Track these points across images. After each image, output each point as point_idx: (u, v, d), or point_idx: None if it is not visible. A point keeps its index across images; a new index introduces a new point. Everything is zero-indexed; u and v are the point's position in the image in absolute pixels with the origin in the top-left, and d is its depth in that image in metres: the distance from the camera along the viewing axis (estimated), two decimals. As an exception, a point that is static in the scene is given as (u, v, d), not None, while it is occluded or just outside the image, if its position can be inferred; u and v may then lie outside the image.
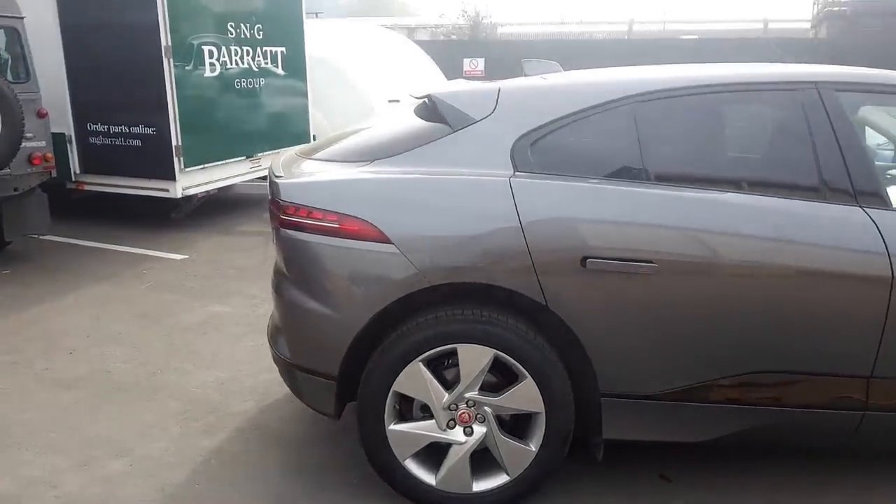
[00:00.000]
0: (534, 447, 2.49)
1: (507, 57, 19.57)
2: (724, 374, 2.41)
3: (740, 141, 2.84)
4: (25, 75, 5.67)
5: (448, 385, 2.47)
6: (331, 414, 2.64)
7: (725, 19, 40.27)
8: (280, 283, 2.71)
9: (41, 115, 5.69)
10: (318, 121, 8.37)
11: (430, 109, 2.71)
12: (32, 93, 5.64)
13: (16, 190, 5.54)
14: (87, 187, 6.95)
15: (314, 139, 8.18)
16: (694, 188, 2.43)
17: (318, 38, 8.61)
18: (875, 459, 2.89)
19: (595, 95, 2.55)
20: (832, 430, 2.50)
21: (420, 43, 12.62)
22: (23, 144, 5.37)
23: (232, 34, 6.96)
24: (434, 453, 2.54)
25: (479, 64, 19.95)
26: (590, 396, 2.49)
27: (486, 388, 2.47)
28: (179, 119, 6.40)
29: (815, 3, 26.15)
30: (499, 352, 2.39)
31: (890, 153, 3.34)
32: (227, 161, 7.10)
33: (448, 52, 19.29)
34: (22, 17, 5.62)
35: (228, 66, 6.95)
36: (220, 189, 7.19)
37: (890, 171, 3.13)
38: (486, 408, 2.47)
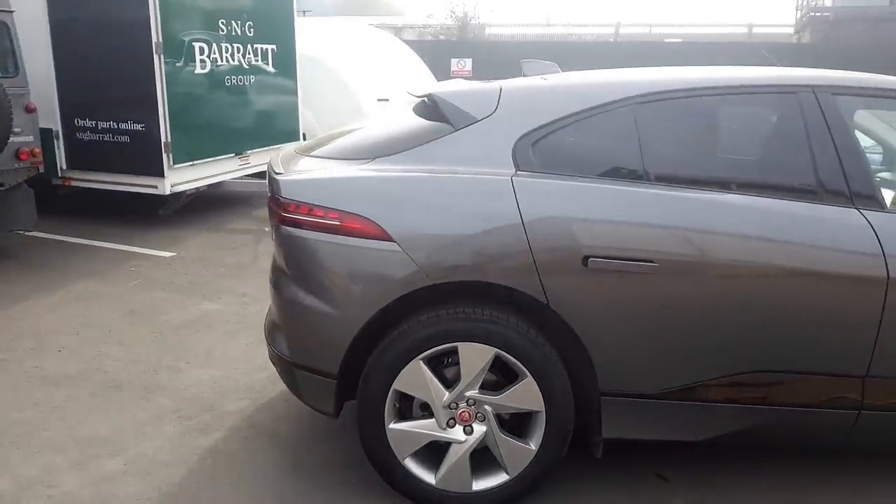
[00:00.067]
0: (534, 446, 2.50)
1: (494, 58, 19.65)
2: (722, 373, 2.44)
3: (739, 142, 2.88)
4: (14, 70, 5.60)
5: (448, 384, 2.48)
6: (330, 412, 2.63)
7: (711, 23, 40.66)
8: (279, 281, 2.70)
9: (29, 109, 5.63)
10: (307, 119, 8.35)
11: (431, 108, 2.71)
12: (21, 87, 5.57)
13: (2, 185, 5.47)
14: (73, 183, 6.86)
15: (304, 137, 8.15)
16: (694, 189, 2.45)
17: (308, 36, 8.58)
18: (870, 458, 2.93)
19: (597, 96, 2.57)
20: (829, 428, 2.53)
21: (407, 43, 12.59)
22: (10, 139, 5.31)
23: (223, 31, 6.92)
24: (434, 452, 2.54)
25: (467, 64, 19.98)
26: (590, 395, 2.50)
27: (486, 387, 2.48)
28: (169, 115, 6.34)
29: (798, 9, 26.46)
30: (500, 350, 2.40)
31: (878, 157, 3.39)
32: (217, 158, 7.05)
33: (436, 51, 19.28)
34: (11, 12, 5.56)
35: (219, 62, 6.90)
36: (209, 186, 7.13)
37: (879, 175, 3.17)
38: (486, 406, 2.48)
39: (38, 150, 5.71)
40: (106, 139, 6.59)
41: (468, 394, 2.46)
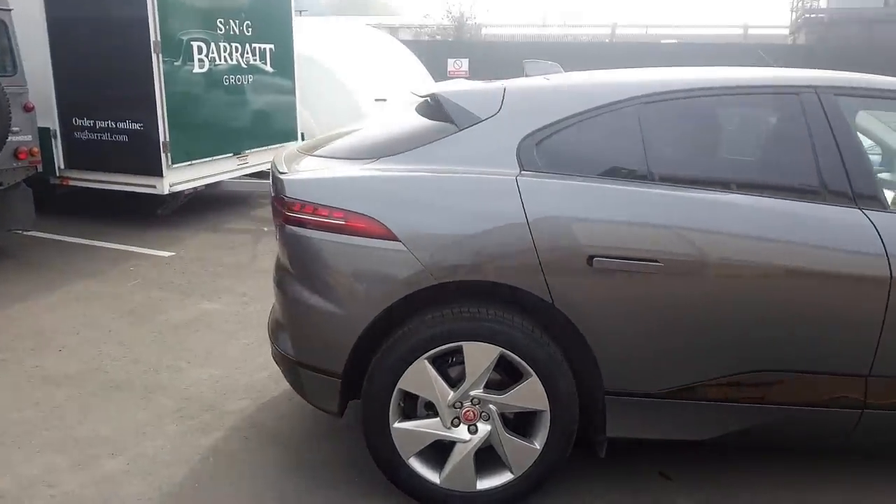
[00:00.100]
0: (538, 445, 2.50)
1: (490, 58, 19.65)
2: (726, 372, 2.44)
3: (743, 143, 2.88)
4: (12, 68, 5.58)
5: (453, 383, 2.48)
6: (334, 412, 2.63)
7: (707, 24, 40.80)
8: (283, 280, 2.69)
9: (28, 108, 5.61)
10: (304, 119, 8.33)
11: (435, 108, 2.71)
12: (19, 86, 5.55)
13: (0, 184, 5.45)
14: (71, 183, 6.83)
15: (302, 137, 8.14)
16: (698, 189, 2.46)
17: (306, 35, 8.57)
18: (873, 457, 2.94)
19: (601, 96, 2.57)
20: (832, 427, 2.54)
21: (403, 43, 12.58)
22: (9, 138, 5.29)
23: (221, 30, 6.91)
24: (438, 451, 2.54)
25: (464, 64, 19.96)
26: (594, 394, 2.51)
27: (490, 386, 2.48)
28: (167, 115, 6.32)
29: (793, 10, 26.55)
30: (504, 350, 2.40)
31: (877, 157, 3.40)
32: (215, 158, 7.03)
33: (432, 51, 19.25)
34: (10, 10, 5.54)
35: (217, 62, 6.89)
36: (207, 186, 7.12)
37: (878, 175, 3.18)
38: (490, 406, 2.48)
39: (36, 149, 5.69)
40: (104, 138, 6.57)
41: (473, 393, 2.46)
